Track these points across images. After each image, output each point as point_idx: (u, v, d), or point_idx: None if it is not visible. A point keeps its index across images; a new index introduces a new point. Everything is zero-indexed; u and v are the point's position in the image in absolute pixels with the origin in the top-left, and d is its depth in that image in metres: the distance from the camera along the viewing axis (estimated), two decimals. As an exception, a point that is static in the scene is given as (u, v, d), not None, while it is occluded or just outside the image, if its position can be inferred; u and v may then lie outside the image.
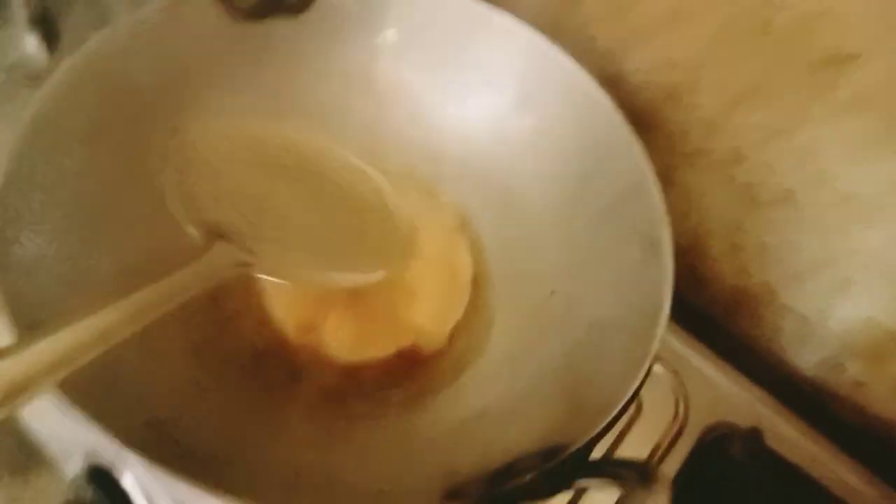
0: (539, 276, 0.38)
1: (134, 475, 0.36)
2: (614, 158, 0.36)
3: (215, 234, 0.28)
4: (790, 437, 0.41)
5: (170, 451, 0.26)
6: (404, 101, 0.41)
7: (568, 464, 0.27)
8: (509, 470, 0.27)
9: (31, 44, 0.45)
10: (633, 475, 0.24)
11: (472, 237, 0.40)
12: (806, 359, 0.46)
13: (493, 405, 0.33)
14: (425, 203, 0.41)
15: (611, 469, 0.26)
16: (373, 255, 0.35)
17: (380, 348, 0.36)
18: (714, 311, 0.49)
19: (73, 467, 0.39)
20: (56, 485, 0.44)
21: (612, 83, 0.39)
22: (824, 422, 0.43)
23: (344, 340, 0.35)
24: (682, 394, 0.41)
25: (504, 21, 0.38)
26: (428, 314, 0.37)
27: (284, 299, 0.36)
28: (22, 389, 0.19)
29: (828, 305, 0.43)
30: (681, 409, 0.41)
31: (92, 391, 0.26)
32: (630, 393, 0.29)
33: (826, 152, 0.36)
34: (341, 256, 0.33)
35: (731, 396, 0.43)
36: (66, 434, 0.39)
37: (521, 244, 0.39)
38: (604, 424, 0.28)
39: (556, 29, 0.39)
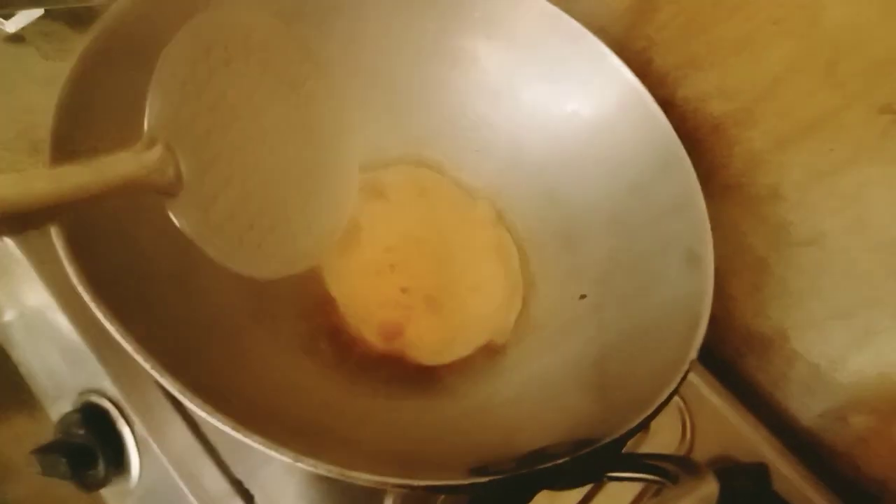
0: (572, 277, 0.38)
1: (130, 418, 0.34)
2: (664, 174, 0.37)
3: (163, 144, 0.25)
4: (792, 481, 0.41)
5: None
6: (461, 86, 0.42)
7: (600, 456, 0.26)
8: (540, 454, 0.27)
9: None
10: (676, 468, 0.24)
11: (509, 228, 0.41)
12: (810, 408, 0.46)
13: (523, 395, 0.33)
14: (455, 194, 0.41)
15: (647, 464, 0.25)
16: (304, 239, 0.31)
17: (462, 348, 0.36)
18: (722, 349, 0.49)
19: (61, 408, 0.38)
20: (35, 426, 0.42)
21: (661, 107, 0.39)
22: (825, 472, 0.43)
23: (428, 345, 0.36)
24: (689, 421, 0.41)
25: (575, 28, 0.39)
26: (494, 307, 0.38)
27: (360, 307, 0.36)
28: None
29: (841, 356, 0.43)
30: (687, 437, 0.41)
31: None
32: (665, 395, 0.28)
33: (870, 198, 0.37)
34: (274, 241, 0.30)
35: (737, 432, 0.42)
36: (62, 370, 0.38)
37: (558, 244, 0.39)
38: (638, 422, 0.27)
39: (618, 48, 0.40)
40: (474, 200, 0.41)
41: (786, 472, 0.42)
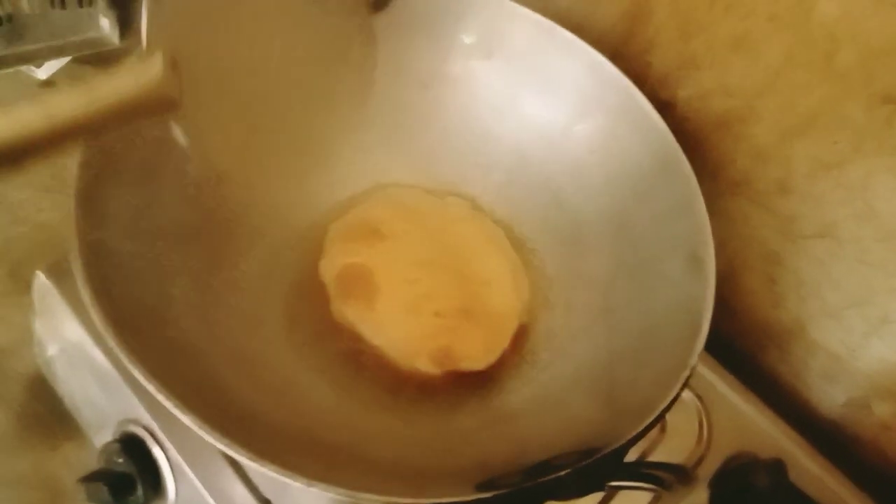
0: (583, 282, 0.39)
1: (164, 445, 0.36)
2: (664, 177, 0.37)
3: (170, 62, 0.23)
4: (813, 473, 0.41)
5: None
6: (464, 105, 0.43)
7: (602, 465, 0.27)
8: (544, 466, 0.28)
9: (106, 25, 0.47)
10: (671, 477, 0.24)
11: (519, 239, 0.42)
12: (832, 397, 0.46)
13: (531, 404, 0.34)
14: (429, 201, 0.43)
15: (646, 471, 0.26)
16: None
17: (503, 340, 0.37)
18: (742, 342, 0.49)
19: (103, 437, 0.40)
20: (84, 453, 0.45)
21: (663, 108, 0.40)
22: (847, 462, 0.43)
23: (475, 351, 0.36)
24: (706, 419, 0.42)
25: (569, 39, 0.40)
26: (509, 291, 0.39)
27: (405, 346, 0.36)
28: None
29: (860, 344, 0.43)
30: (704, 435, 0.41)
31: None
32: (667, 402, 0.29)
33: (876, 188, 0.37)
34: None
35: (755, 427, 0.42)
36: (101, 402, 0.40)
37: (569, 251, 0.40)
38: (639, 430, 0.28)
39: (616, 53, 0.41)
40: (444, 199, 0.42)
41: (807, 464, 0.41)
